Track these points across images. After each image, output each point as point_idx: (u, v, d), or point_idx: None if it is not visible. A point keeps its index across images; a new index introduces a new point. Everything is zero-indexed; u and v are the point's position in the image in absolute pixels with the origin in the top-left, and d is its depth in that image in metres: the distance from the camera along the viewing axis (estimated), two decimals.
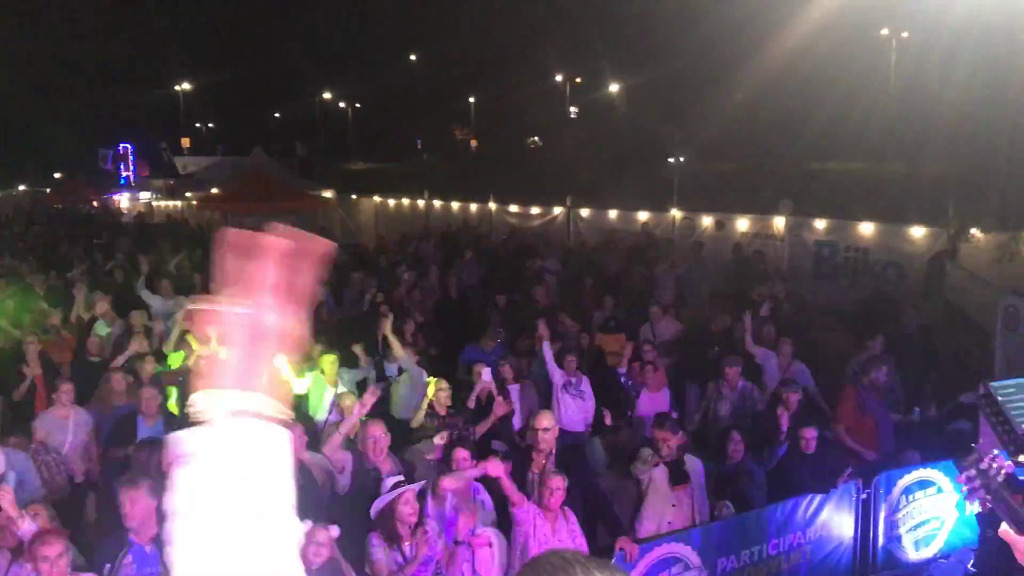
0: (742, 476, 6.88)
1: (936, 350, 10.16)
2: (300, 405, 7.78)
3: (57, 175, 43.98)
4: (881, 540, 7.09)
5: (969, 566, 6.94)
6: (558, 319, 10.38)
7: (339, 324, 11.48)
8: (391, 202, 25.65)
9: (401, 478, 5.15)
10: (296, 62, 62.58)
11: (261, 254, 1.15)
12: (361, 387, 8.57)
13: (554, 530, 5.36)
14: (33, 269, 13.86)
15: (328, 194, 26.60)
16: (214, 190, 25.97)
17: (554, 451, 6.10)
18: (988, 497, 2.15)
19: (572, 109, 58.78)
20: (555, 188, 21.52)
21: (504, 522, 5.58)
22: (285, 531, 1.09)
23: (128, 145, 42.80)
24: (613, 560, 5.59)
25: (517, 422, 7.82)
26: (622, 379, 8.34)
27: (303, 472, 5.83)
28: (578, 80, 57.97)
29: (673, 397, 8.67)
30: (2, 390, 8.27)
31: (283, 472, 1.11)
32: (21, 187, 41.07)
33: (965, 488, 2.18)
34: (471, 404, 7.71)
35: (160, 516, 4.66)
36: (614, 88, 49.60)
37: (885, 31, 36.86)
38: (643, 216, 18.02)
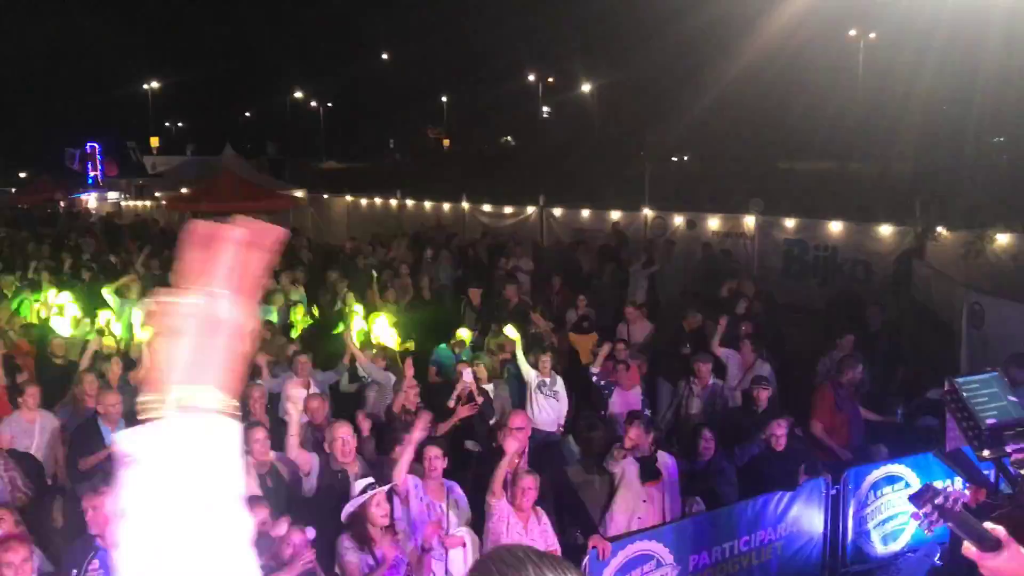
0: (713, 473, 6.93)
1: (903, 347, 10.29)
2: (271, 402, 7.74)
3: (23, 174, 43.27)
4: (850, 535, 7.17)
5: (936, 560, 7.04)
6: (531, 318, 10.39)
7: (313, 324, 11.41)
8: (363, 202, 25.53)
9: (372, 480, 5.11)
10: (267, 61, 62.22)
11: (215, 244, 1.14)
12: (334, 389, 8.53)
13: (526, 529, 5.36)
14: None
15: (299, 194, 26.41)
16: (184, 190, 25.70)
17: (527, 450, 6.10)
18: (950, 525, 2.18)
19: (545, 109, 58.89)
20: (528, 187, 21.55)
21: (479, 521, 5.57)
22: (234, 525, 1.07)
23: (95, 144, 42.18)
24: (586, 558, 5.61)
25: None
26: (594, 379, 8.37)
27: (271, 472, 5.77)
28: (551, 80, 58.08)
29: (646, 395, 8.72)
30: None
31: (231, 466, 1.09)
32: None
33: (924, 523, 2.21)
34: (451, 404, 7.71)
35: None
36: (587, 88, 49.77)
37: (853, 32, 37.31)
38: (615, 215, 18.11)
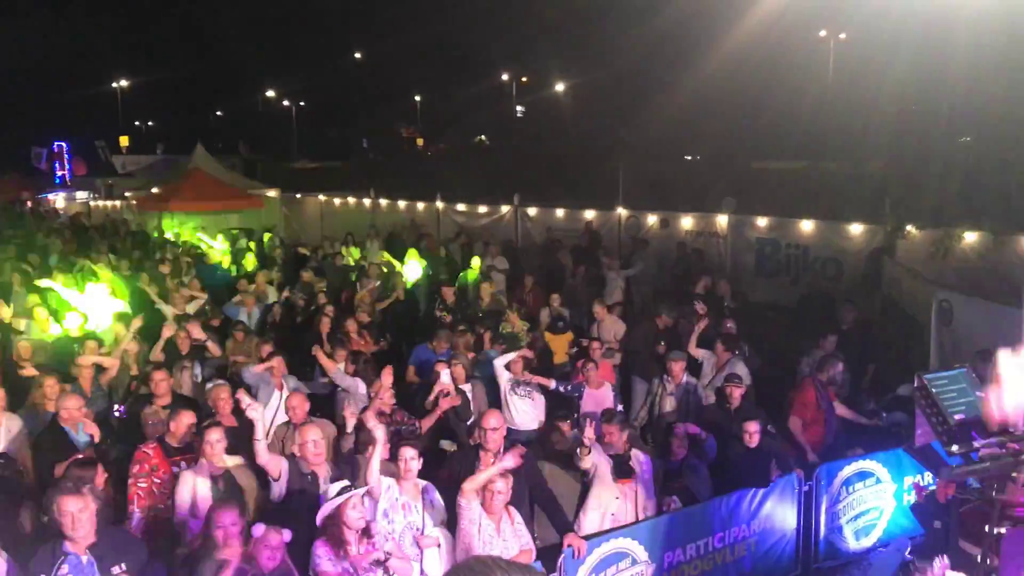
0: (687, 471, 6.97)
1: (874, 344, 10.40)
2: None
3: None
4: (823, 531, 7.24)
5: (906, 554, 7.13)
6: (506, 319, 10.40)
7: (288, 325, 11.33)
8: (336, 201, 25.39)
9: (347, 483, 5.07)
10: (238, 59, 61.49)
11: None
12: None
13: (499, 530, 5.35)
14: None
15: (272, 193, 26.22)
16: (154, 190, 25.43)
17: (502, 450, 6.09)
18: None
19: (519, 108, 58.90)
20: (502, 187, 21.54)
21: (454, 521, 5.55)
22: None
23: (63, 143, 41.61)
24: (562, 557, 5.62)
25: None
26: (561, 390, 8.33)
27: (225, 475, 5.69)
28: (524, 79, 58.10)
29: (620, 393, 8.74)
30: None
31: None
32: None
33: None
34: (428, 405, 7.69)
35: (96, 525, 4.56)
36: (560, 87, 49.86)
37: (823, 33, 37.64)
38: (589, 215, 18.16)
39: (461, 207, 21.22)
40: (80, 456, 6.04)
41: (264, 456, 5.72)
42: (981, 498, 4.58)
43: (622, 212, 17.73)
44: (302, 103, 64.81)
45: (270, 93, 62.24)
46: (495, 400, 8.19)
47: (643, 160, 26.72)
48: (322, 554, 4.86)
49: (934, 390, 3.20)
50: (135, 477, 5.84)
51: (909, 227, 12.68)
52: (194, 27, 68.55)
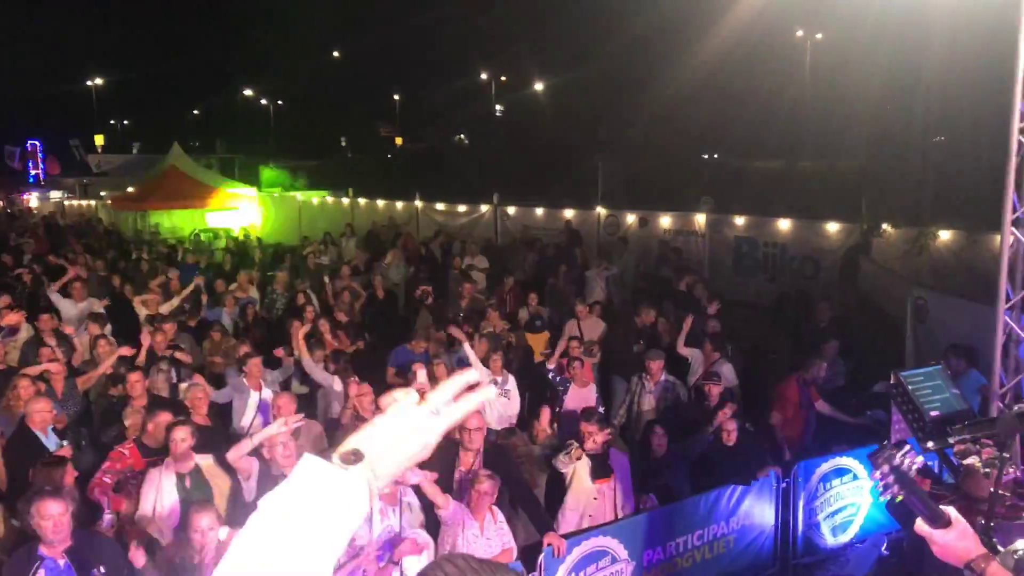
0: (666, 469, 6.99)
1: (850, 341, 10.49)
2: (221, 410, 7.60)
3: None
4: (800, 527, 7.29)
5: (883, 550, 7.20)
6: (487, 318, 10.37)
7: (265, 324, 11.26)
8: (315, 200, 25.27)
9: None
10: (216, 57, 61.10)
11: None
12: (284, 388, 8.41)
13: (482, 530, 5.34)
14: None
15: (249, 192, 26.06)
16: (130, 189, 25.21)
17: (482, 450, 6.08)
18: (903, 492, 2.23)
19: (498, 107, 58.86)
20: (482, 186, 21.53)
21: (432, 521, 5.54)
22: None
23: (36, 142, 41.12)
24: (542, 556, 5.62)
25: None
26: (550, 375, 8.40)
27: (193, 472, 5.64)
28: (503, 79, 58.06)
29: (600, 391, 8.76)
30: None
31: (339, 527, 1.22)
32: None
33: (880, 484, 2.25)
34: None
35: (72, 528, 4.50)
36: (539, 87, 49.87)
37: (800, 33, 37.91)
38: (569, 214, 18.19)
39: (440, 206, 21.19)
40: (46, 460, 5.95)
41: (233, 454, 5.66)
42: (956, 493, 4.64)
43: (601, 211, 17.77)
44: (280, 101, 64.41)
45: (248, 92, 61.75)
46: None
47: (622, 159, 26.81)
48: None
49: (910, 387, 3.23)
50: (103, 472, 5.79)
51: (885, 226, 12.80)
52: (170, 25, 68.03)
